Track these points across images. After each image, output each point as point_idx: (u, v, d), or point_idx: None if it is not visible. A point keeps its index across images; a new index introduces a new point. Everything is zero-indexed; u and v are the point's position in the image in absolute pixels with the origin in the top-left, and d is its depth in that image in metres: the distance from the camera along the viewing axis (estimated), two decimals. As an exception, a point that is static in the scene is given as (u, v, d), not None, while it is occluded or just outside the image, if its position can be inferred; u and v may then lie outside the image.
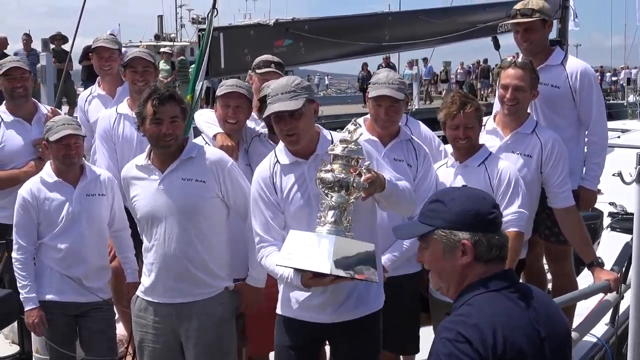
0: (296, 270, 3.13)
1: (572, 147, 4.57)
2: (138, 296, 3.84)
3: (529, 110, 4.54)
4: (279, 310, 3.52)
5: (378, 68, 23.77)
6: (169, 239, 3.65)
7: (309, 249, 3.04)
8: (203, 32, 5.62)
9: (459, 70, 33.06)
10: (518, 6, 4.64)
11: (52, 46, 15.29)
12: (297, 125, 3.26)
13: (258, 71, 4.59)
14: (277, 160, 3.41)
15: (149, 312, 3.76)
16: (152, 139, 3.65)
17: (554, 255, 4.79)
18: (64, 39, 14.62)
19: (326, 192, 3.10)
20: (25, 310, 4.16)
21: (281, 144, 3.44)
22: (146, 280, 3.77)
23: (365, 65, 28.33)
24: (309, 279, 3.11)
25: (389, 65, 22.54)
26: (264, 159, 3.52)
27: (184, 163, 3.68)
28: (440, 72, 34.39)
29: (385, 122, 4.02)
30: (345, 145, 3.12)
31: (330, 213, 3.09)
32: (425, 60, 26.70)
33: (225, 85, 4.21)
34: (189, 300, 3.71)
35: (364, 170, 3.09)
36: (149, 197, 3.68)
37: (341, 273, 3.01)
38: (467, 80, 33.13)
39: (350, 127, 3.20)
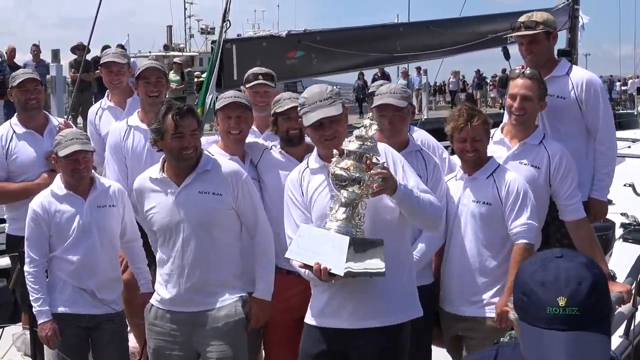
0: (305, 265, 3.15)
1: (580, 158, 4.56)
2: (153, 305, 3.85)
3: (536, 122, 4.53)
4: (305, 319, 3.52)
5: (373, 78, 23.77)
6: (186, 251, 3.69)
7: (322, 247, 3.06)
8: (215, 44, 5.66)
9: (451, 80, 32.07)
10: (522, 19, 4.64)
11: (74, 56, 15.41)
12: (337, 129, 3.35)
13: (247, 85, 4.61)
14: (307, 165, 3.49)
15: (165, 320, 3.79)
16: (173, 153, 3.67)
17: None
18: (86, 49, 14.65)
19: (338, 187, 3.12)
20: (38, 323, 4.16)
21: (314, 152, 3.50)
22: (162, 290, 3.80)
23: (361, 74, 27.82)
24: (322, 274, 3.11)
25: (384, 74, 22.35)
26: (298, 165, 3.58)
27: (200, 176, 3.72)
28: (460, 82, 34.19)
29: (390, 132, 4.01)
30: (361, 143, 3.11)
31: (342, 210, 3.11)
32: (418, 69, 26.54)
33: (224, 98, 4.22)
34: (204, 308, 3.74)
35: (379, 168, 3.10)
36: (166, 210, 3.71)
37: (354, 273, 3.03)
38: (461, 89, 32.63)
39: (366, 122, 3.18)
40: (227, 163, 3.85)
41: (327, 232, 3.10)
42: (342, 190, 3.10)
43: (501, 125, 4.52)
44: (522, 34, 4.60)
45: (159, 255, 3.83)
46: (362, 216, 3.13)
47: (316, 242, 3.10)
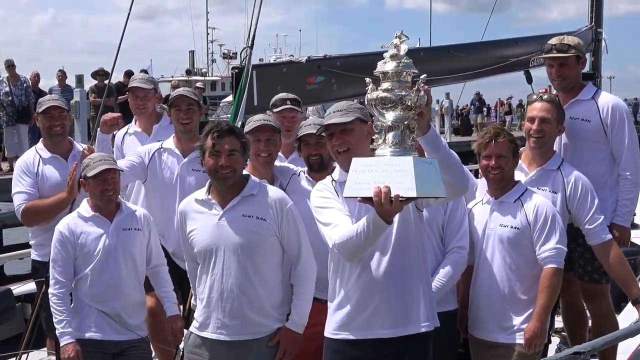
0: (364, 199, 2.94)
1: (604, 183, 4.54)
2: (192, 332, 3.82)
3: (562, 145, 4.53)
4: (326, 334, 3.46)
5: None
6: (226, 274, 3.66)
7: (384, 174, 2.88)
8: (236, 70, 5.70)
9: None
10: (553, 41, 4.63)
11: (95, 81, 15.59)
12: (347, 140, 3.35)
13: (275, 110, 4.64)
14: (334, 179, 3.47)
15: (204, 349, 3.75)
16: (210, 172, 3.69)
17: (590, 294, 4.72)
18: (107, 75, 14.80)
19: (382, 112, 3.00)
20: (60, 345, 4.17)
21: (337, 168, 3.49)
22: (201, 315, 3.77)
23: None
24: (384, 205, 2.89)
25: None
26: (320, 181, 3.56)
27: (245, 199, 3.71)
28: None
29: None
30: (398, 62, 3.01)
31: (391, 135, 2.98)
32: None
33: (254, 120, 4.25)
34: (242, 338, 3.69)
35: (422, 85, 3.00)
36: (208, 232, 3.70)
37: (424, 194, 2.90)
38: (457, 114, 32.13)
39: (395, 41, 3.06)
40: (274, 189, 3.84)
41: (387, 158, 2.93)
42: (386, 114, 2.99)
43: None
44: (553, 56, 4.58)
45: (199, 278, 3.79)
46: (413, 137, 3.02)
47: (376, 171, 2.91)
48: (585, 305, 4.87)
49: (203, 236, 3.71)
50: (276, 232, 3.70)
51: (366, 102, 3.09)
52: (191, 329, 3.84)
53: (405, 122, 2.98)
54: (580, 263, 4.57)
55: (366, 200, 2.93)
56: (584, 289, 4.71)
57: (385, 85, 3.00)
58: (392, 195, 2.85)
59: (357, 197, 2.97)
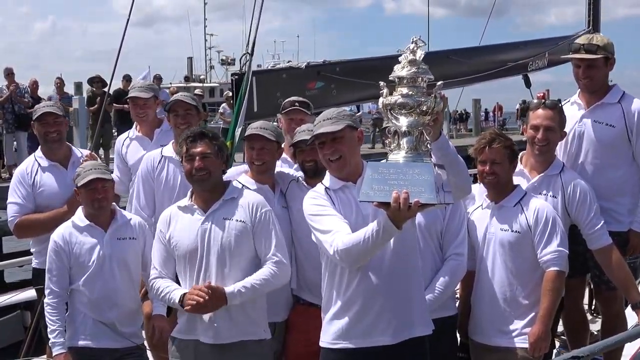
0: (380, 204, 2.94)
1: (625, 188, 4.51)
2: (175, 337, 3.82)
3: (582, 147, 4.51)
4: (323, 344, 3.44)
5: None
6: (208, 277, 3.68)
7: (402, 180, 2.88)
8: (235, 77, 5.70)
9: None
10: (582, 40, 4.54)
11: (92, 89, 15.60)
12: (339, 148, 3.35)
13: (283, 112, 4.66)
14: (326, 187, 3.45)
15: (189, 352, 3.75)
16: (187, 176, 3.79)
17: (605, 298, 4.72)
18: (103, 82, 14.81)
19: (396, 117, 3.00)
20: (53, 355, 4.17)
21: (327, 175, 3.48)
22: (183, 318, 3.77)
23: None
24: (394, 209, 2.89)
25: None
26: (312, 189, 3.55)
27: (226, 203, 3.77)
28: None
29: None
30: (417, 67, 3.02)
31: (405, 140, 3.00)
32: None
33: (251, 128, 4.27)
34: (227, 340, 3.69)
35: (439, 92, 3.03)
36: (192, 235, 3.73)
37: (442, 201, 2.91)
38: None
39: (411, 46, 3.07)
40: (253, 194, 3.87)
41: (405, 164, 2.94)
42: (401, 118, 3.00)
43: (519, 155, 4.49)
44: (581, 56, 4.48)
45: (181, 281, 3.79)
46: (428, 142, 3.03)
47: (395, 176, 2.90)
48: (599, 307, 4.86)
49: (187, 239, 3.74)
50: (252, 233, 3.73)
51: (379, 106, 3.11)
52: (174, 333, 3.84)
53: (420, 128, 3.00)
54: (596, 273, 4.55)
55: (382, 205, 2.94)
56: (601, 296, 4.71)
57: (404, 90, 3.02)
58: (411, 202, 2.85)
59: (372, 202, 2.98)
